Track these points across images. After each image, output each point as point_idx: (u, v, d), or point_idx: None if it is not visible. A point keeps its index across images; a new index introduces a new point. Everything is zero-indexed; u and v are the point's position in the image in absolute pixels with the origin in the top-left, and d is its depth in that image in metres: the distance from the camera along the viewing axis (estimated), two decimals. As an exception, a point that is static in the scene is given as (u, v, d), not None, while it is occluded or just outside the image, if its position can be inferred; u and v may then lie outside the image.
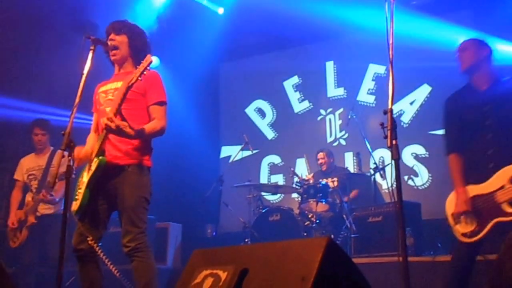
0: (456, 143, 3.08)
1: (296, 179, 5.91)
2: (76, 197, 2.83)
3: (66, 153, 2.54)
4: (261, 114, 7.90)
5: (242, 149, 6.46)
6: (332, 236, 5.17)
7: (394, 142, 2.19)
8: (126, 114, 2.79)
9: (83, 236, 2.82)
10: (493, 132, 2.97)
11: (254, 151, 6.77)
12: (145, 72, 2.66)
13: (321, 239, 1.75)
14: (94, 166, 2.78)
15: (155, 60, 5.98)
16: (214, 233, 6.65)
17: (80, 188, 2.83)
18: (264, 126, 7.83)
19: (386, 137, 2.22)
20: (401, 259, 2.06)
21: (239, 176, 6.61)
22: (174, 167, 6.99)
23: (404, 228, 2.10)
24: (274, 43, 7.62)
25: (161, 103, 2.97)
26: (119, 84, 2.94)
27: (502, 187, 2.82)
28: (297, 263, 1.76)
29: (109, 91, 3.03)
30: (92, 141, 3.04)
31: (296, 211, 5.73)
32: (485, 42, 3.18)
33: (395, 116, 2.20)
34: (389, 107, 2.25)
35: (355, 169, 6.74)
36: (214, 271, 2.01)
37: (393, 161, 2.20)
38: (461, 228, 2.95)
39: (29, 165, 4.88)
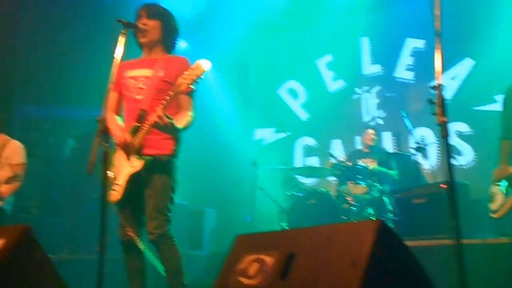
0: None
1: (333, 160, 5.84)
2: (114, 187, 2.90)
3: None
4: (293, 95, 7.86)
5: (278, 131, 6.52)
6: (374, 219, 5.10)
7: (444, 119, 2.13)
8: (156, 105, 2.82)
9: (125, 227, 2.93)
10: None
11: (288, 133, 6.77)
12: (197, 80, 2.71)
13: (372, 221, 1.73)
14: (138, 164, 2.84)
15: (184, 44, 6.00)
16: (249, 218, 6.61)
17: (119, 179, 2.89)
18: (297, 107, 7.80)
19: (434, 114, 2.17)
20: (453, 242, 2.01)
21: (273, 159, 6.59)
22: (207, 151, 7.03)
23: (456, 209, 2.05)
24: (305, 21, 7.56)
25: (191, 93, 3.00)
26: (148, 73, 2.98)
27: None
28: (347, 247, 1.73)
29: (139, 78, 3.05)
30: (117, 124, 3.05)
31: (334, 194, 5.71)
32: None
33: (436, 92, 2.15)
34: (438, 82, 2.18)
35: (394, 149, 6.63)
36: (260, 256, 2.01)
37: (443, 140, 2.14)
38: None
39: None
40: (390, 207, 4.90)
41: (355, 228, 1.79)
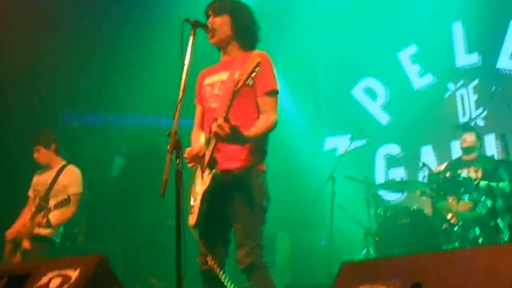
0: None
1: (426, 171, 5.77)
2: (192, 210, 2.97)
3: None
4: (371, 95, 7.81)
5: (354, 139, 6.45)
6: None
7: None
8: (234, 111, 2.86)
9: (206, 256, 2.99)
10: None
11: (366, 141, 6.74)
12: (252, 75, 2.72)
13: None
14: (207, 179, 2.89)
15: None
16: (324, 242, 6.73)
17: (194, 199, 2.97)
18: (377, 109, 7.75)
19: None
20: None
21: (351, 172, 6.50)
22: (274, 166, 6.99)
23: None
24: (382, 6, 7.53)
25: (272, 93, 3.05)
26: (225, 76, 3.05)
27: None
28: (489, 277, 1.72)
29: (215, 84, 3.13)
30: (198, 139, 3.17)
31: (429, 212, 5.64)
32: None
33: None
34: None
35: (501, 155, 6.43)
36: (376, 287, 2.03)
37: None
38: None
39: (37, 179, 5.15)
40: (503, 227, 4.74)
41: (499, 253, 1.77)
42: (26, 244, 4.75)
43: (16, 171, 5.89)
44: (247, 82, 2.73)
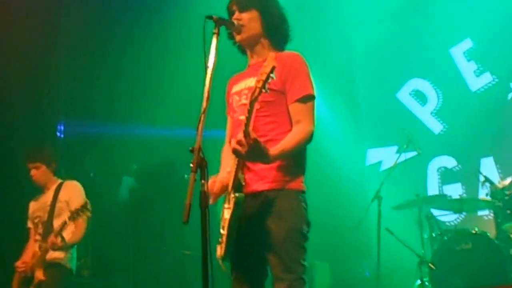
0: None
1: (488, 187, 5.67)
2: (220, 239, 2.92)
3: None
4: (420, 99, 7.69)
5: (401, 151, 6.37)
6: None
7: None
8: (265, 123, 2.91)
9: None
10: None
11: (416, 153, 6.56)
12: (269, 80, 2.67)
13: None
14: (232, 203, 2.87)
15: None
16: (372, 272, 6.62)
17: (223, 227, 2.92)
18: (427, 115, 7.60)
19: None
20: None
21: (400, 190, 6.50)
22: (310, 185, 6.95)
23: None
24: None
25: (306, 98, 2.99)
26: (252, 82, 2.95)
27: None
28: None
29: (243, 92, 3.12)
30: (228, 155, 3.13)
31: (493, 235, 5.49)
32: None
33: None
34: None
35: None
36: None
37: None
38: None
39: (34, 207, 5.20)
40: None
41: None
42: (39, 274, 4.74)
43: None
44: (263, 90, 2.67)
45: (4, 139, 6.23)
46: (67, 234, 4.78)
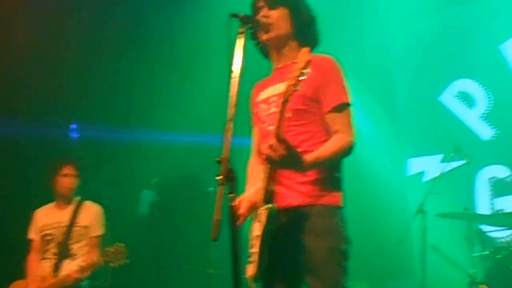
0: None
1: None
2: (251, 258, 2.87)
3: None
4: (467, 102, 7.45)
5: (447, 160, 6.19)
6: None
7: None
8: (297, 133, 2.88)
9: None
10: None
11: (464, 162, 6.34)
12: (302, 78, 2.62)
13: None
14: (263, 217, 2.81)
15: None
16: None
17: (253, 245, 2.88)
18: (475, 119, 7.37)
19: None
20: None
21: (444, 202, 6.29)
22: (345, 198, 6.85)
23: None
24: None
25: (342, 107, 2.94)
26: (281, 88, 2.86)
27: None
28: None
29: (271, 99, 3.07)
30: (255, 174, 3.08)
31: None
32: None
33: None
34: None
35: None
36: None
37: None
38: None
39: (45, 221, 5.07)
40: None
41: None
42: None
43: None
44: (296, 88, 2.64)
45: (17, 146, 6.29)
46: (83, 265, 4.77)
